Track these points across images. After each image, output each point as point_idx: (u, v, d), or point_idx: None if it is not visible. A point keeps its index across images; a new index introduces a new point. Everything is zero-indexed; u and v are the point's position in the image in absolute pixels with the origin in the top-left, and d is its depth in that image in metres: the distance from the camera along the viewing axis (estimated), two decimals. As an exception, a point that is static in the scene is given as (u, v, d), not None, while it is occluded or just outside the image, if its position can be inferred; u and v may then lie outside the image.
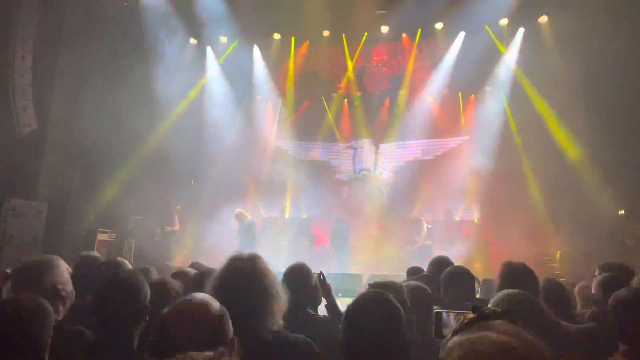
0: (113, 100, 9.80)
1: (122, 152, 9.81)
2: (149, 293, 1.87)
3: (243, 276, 1.75)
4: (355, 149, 12.19)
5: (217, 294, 1.52)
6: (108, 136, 9.48)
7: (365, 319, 1.49)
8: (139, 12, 10.43)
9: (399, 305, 1.52)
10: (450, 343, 0.83)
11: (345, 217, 10.46)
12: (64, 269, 2.15)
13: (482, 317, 0.85)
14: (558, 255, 9.21)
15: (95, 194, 9.54)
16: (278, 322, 1.76)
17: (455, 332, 0.84)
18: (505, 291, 1.85)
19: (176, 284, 2.31)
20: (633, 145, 8.21)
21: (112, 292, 1.79)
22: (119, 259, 2.92)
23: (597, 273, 3.04)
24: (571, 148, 9.69)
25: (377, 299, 1.55)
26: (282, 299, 1.79)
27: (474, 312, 0.86)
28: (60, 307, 2.06)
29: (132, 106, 9.47)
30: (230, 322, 1.35)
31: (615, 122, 8.64)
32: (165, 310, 1.36)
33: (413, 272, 4.27)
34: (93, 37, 9.76)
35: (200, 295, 1.41)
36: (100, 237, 8.88)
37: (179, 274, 3.11)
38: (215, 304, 1.37)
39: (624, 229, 8.88)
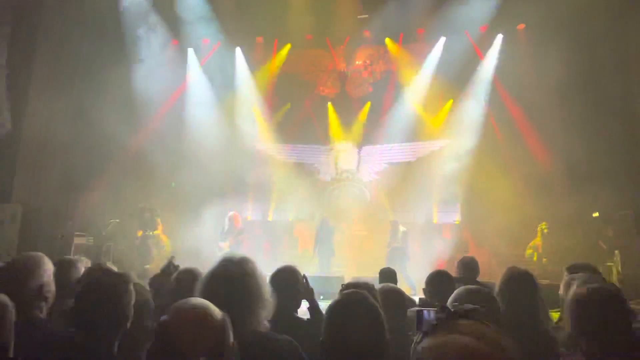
0: (92, 102, 9.61)
1: (101, 154, 9.63)
2: (133, 298, 1.84)
3: (233, 277, 1.75)
4: (338, 151, 12.24)
5: (205, 296, 1.52)
6: (86, 138, 9.30)
7: (346, 317, 1.51)
8: (118, 13, 10.29)
9: (376, 303, 1.55)
10: (419, 348, 0.85)
11: (329, 219, 10.46)
12: (49, 268, 2.14)
13: (449, 316, 0.87)
14: (535, 257, 9.40)
15: (72, 197, 9.35)
16: (264, 324, 1.77)
17: (424, 335, 0.87)
18: (464, 287, 1.91)
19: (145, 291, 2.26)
20: (607, 149, 8.45)
21: (94, 296, 1.76)
22: (105, 263, 2.88)
23: (565, 275, 3.13)
24: (546, 152, 9.94)
25: (357, 298, 1.57)
26: (269, 302, 1.80)
27: (441, 311, 0.88)
28: (44, 306, 2.05)
29: (111, 108, 9.31)
30: (230, 327, 1.33)
31: (590, 128, 8.90)
32: (165, 315, 1.32)
33: (387, 274, 4.32)
34: (70, 37, 9.58)
35: (199, 300, 1.37)
36: (78, 241, 8.70)
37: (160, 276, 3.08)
38: (215, 309, 1.34)
39: (598, 231, 9.13)
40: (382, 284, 2.58)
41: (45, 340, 1.76)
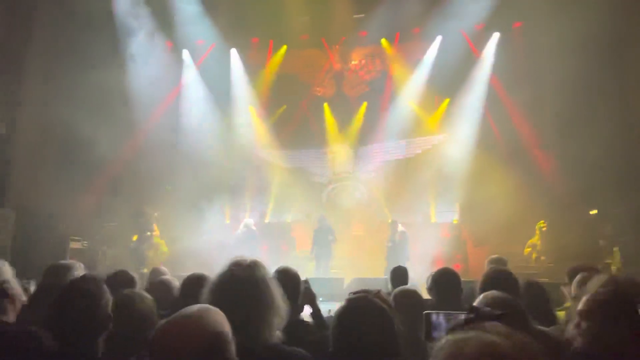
0: (87, 104, 9.50)
1: (96, 157, 9.51)
2: (110, 300, 1.82)
3: (240, 283, 1.65)
4: (334, 152, 12.18)
5: (212, 301, 1.44)
6: (81, 140, 9.18)
7: (354, 323, 1.46)
8: (112, 12, 10.19)
9: (385, 307, 1.48)
10: (441, 342, 0.83)
11: (326, 218, 10.31)
12: (8, 271, 2.17)
13: (478, 318, 0.82)
14: (534, 255, 9.38)
15: (68, 200, 9.22)
16: (276, 334, 1.67)
17: (448, 332, 0.83)
18: (488, 293, 1.84)
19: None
20: (604, 147, 8.44)
21: (70, 301, 1.74)
22: (73, 262, 2.82)
23: (567, 280, 3.07)
24: (544, 151, 9.93)
25: (364, 303, 1.51)
26: (283, 310, 1.70)
27: (470, 312, 0.83)
28: (9, 307, 2.03)
29: (106, 110, 9.21)
30: (230, 336, 1.22)
31: (587, 124, 8.89)
32: (158, 324, 1.25)
33: (398, 272, 4.25)
34: (64, 37, 9.46)
35: (194, 308, 1.27)
36: (73, 245, 8.59)
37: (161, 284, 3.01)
38: (213, 317, 1.24)
39: (596, 228, 9.12)
40: (399, 288, 2.51)
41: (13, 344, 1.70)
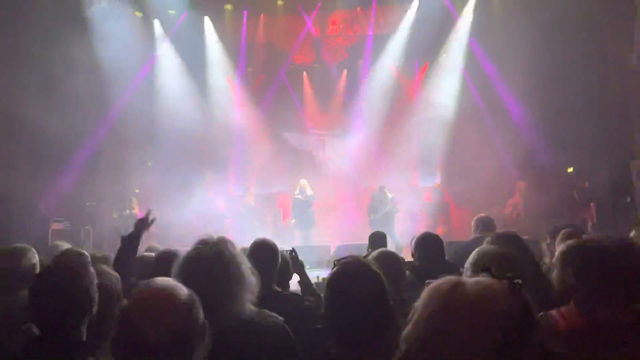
0: (57, 82, 9.14)
1: (72, 134, 9.25)
2: (94, 280, 1.71)
3: (207, 261, 1.68)
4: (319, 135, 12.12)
5: (180, 280, 1.45)
6: (55, 120, 8.88)
7: (350, 286, 1.48)
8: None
9: (379, 270, 1.52)
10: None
11: (307, 186, 10.05)
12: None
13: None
14: (514, 215, 9.64)
15: (46, 182, 9.00)
16: (249, 307, 1.71)
17: None
18: (483, 248, 1.88)
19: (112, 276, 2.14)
20: (580, 108, 8.59)
21: (49, 282, 1.64)
22: (56, 242, 2.76)
23: (548, 240, 3.20)
24: (522, 111, 10.04)
25: (358, 267, 1.54)
26: (252, 283, 1.73)
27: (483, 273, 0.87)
28: None
29: (78, 87, 8.88)
30: (200, 308, 1.24)
31: (564, 88, 8.99)
32: (125, 300, 1.24)
33: (377, 237, 4.37)
34: (27, 13, 8.97)
35: (162, 280, 1.27)
36: (55, 226, 8.46)
37: (138, 260, 3.00)
38: (182, 289, 1.25)
39: (573, 185, 9.38)
40: (378, 250, 2.56)
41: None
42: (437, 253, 2.91)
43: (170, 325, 1.16)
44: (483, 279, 0.83)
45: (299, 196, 9.92)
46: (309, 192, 9.86)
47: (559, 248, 1.93)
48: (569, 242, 1.89)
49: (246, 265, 1.76)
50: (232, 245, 1.78)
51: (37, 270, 2.43)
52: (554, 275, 1.86)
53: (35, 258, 2.54)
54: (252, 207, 10.40)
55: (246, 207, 10.34)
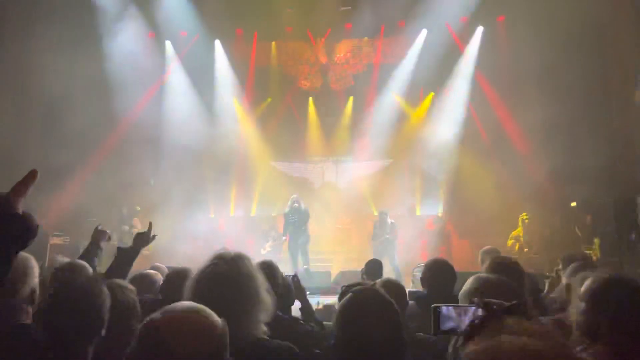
0: (65, 96, 9.26)
1: (76, 149, 9.30)
2: (108, 301, 1.68)
3: (223, 277, 1.61)
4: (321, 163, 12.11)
5: (195, 298, 1.40)
6: (59, 132, 8.96)
7: (362, 316, 1.42)
8: (91, 4, 9.92)
9: (392, 300, 1.47)
10: (468, 352, 0.78)
11: (301, 200, 9.03)
12: (37, 270, 1.98)
13: (492, 314, 0.80)
14: (517, 247, 9.53)
15: (46, 195, 8.98)
16: (262, 328, 1.64)
17: (468, 337, 0.79)
18: (481, 277, 1.82)
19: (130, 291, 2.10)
20: (584, 140, 8.60)
21: (65, 299, 1.60)
22: (78, 261, 2.71)
23: (560, 266, 3.14)
24: (526, 144, 10.07)
25: (372, 295, 1.49)
26: (268, 304, 1.67)
27: (482, 307, 0.81)
28: (31, 311, 1.88)
29: (87, 102, 8.99)
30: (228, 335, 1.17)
31: (569, 122, 9.04)
32: (153, 316, 1.15)
33: (373, 265, 4.29)
34: (40, 26, 9.15)
35: (193, 304, 1.20)
36: (54, 240, 8.40)
37: (142, 277, 2.95)
38: (214, 314, 1.18)
39: (576, 219, 9.30)
40: (383, 279, 2.50)
41: (32, 347, 1.63)
42: (448, 282, 2.71)
43: (205, 349, 1.09)
44: (522, 340, 0.74)
45: (290, 209, 8.92)
46: (302, 206, 8.94)
47: (585, 283, 1.84)
48: (596, 278, 1.80)
49: (263, 284, 1.70)
50: (250, 262, 1.72)
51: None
52: (575, 310, 1.78)
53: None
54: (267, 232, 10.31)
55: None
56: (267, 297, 1.68)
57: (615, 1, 8.39)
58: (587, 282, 1.73)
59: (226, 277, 1.62)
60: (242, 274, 1.65)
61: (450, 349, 0.83)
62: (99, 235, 3.05)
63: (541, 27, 9.11)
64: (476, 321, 0.80)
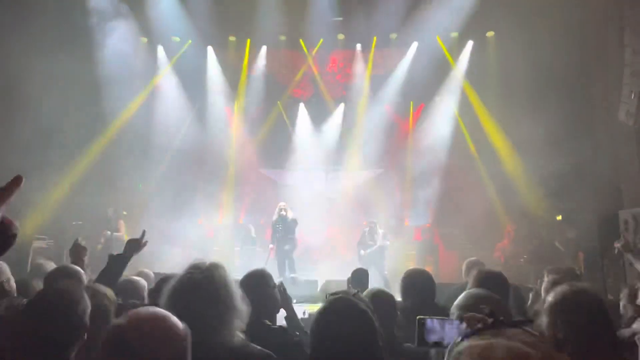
0: (53, 101, 9.14)
1: (62, 152, 9.18)
2: (88, 307, 1.69)
3: (199, 287, 1.65)
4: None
5: (171, 306, 1.41)
6: (45, 134, 8.83)
7: (338, 325, 1.43)
8: (84, 7, 9.87)
9: (367, 309, 1.48)
10: (460, 347, 0.81)
11: (288, 209, 9.14)
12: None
13: (496, 324, 0.83)
14: (502, 259, 9.61)
15: (29, 199, 8.84)
16: (237, 335, 1.67)
17: (465, 337, 0.81)
18: (472, 291, 1.85)
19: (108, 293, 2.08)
20: (572, 155, 8.74)
21: (45, 305, 1.62)
22: (39, 261, 2.69)
23: (545, 277, 3.20)
24: (514, 158, 10.21)
25: (345, 304, 1.49)
26: (242, 311, 1.70)
27: (489, 317, 0.84)
28: None
29: (75, 106, 8.91)
30: (190, 341, 1.19)
31: (554, 132, 9.19)
32: (119, 320, 1.18)
33: (359, 274, 4.33)
34: (30, 31, 9.06)
35: (155, 308, 1.24)
36: (36, 244, 8.24)
37: (129, 283, 2.93)
38: (177, 319, 1.21)
39: (561, 233, 9.42)
40: (373, 288, 2.52)
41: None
42: (427, 293, 2.77)
43: (169, 353, 1.12)
44: (515, 344, 0.78)
45: (278, 218, 9.05)
46: (290, 215, 9.02)
47: (548, 297, 1.92)
48: (558, 292, 1.87)
49: (237, 292, 1.73)
50: (224, 271, 1.75)
51: (11, 287, 2.39)
52: (544, 322, 1.84)
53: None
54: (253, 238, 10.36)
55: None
56: (241, 305, 1.71)
57: (600, 19, 8.59)
58: (549, 296, 1.80)
59: (201, 286, 1.65)
60: (215, 281, 1.68)
61: (449, 349, 0.86)
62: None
63: (529, 44, 9.30)
64: (479, 326, 0.83)
